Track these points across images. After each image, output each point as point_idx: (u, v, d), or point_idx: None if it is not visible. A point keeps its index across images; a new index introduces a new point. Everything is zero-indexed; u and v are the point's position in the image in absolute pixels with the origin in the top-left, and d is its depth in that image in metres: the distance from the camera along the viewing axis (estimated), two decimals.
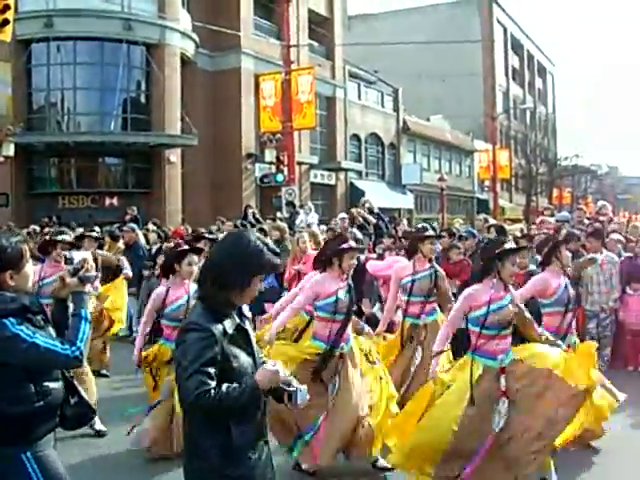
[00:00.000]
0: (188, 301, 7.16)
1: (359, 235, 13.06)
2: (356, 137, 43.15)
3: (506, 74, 67.34)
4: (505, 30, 67.59)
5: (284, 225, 14.59)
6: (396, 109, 47.85)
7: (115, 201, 28.77)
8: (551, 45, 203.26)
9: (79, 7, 26.78)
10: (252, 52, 33.17)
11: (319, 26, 39.02)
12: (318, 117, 33.10)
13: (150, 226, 18.06)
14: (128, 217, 22.06)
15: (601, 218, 15.68)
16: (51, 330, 3.75)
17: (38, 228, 20.23)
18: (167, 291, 7.41)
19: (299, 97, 29.06)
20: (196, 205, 29.96)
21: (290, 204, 22.29)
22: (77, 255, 4.02)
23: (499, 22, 65.63)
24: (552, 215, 19.12)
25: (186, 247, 7.58)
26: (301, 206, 20.44)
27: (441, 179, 42.39)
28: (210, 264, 3.67)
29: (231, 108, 32.20)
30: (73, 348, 3.65)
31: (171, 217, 27.67)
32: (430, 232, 9.80)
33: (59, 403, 3.81)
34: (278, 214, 19.93)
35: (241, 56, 32.62)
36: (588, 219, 15.71)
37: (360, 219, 14.75)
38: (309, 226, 16.17)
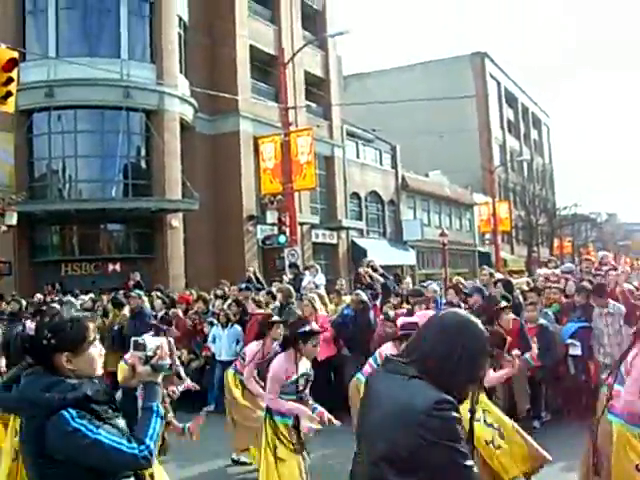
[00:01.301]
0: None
1: (364, 297, 13.05)
2: (356, 195, 43.29)
3: (502, 127, 67.97)
4: (498, 84, 68.43)
5: (289, 287, 14.55)
6: (394, 166, 48.11)
7: (118, 267, 28.72)
8: (545, 97, 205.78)
9: (79, 77, 26.99)
10: (250, 115, 33.48)
11: (315, 87, 39.45)
12: (317, 177, 33.23)
13: (154, 292, 17.99)
14: (131, 283, 22.04)
15: (604, 268, 15.65)
16: (120, 422, 3.36)
17: (41, 297, 20.23)
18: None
19: (299, 158, 29.20)
20: (199, 268, 29.92)
21: (293, 265, 22.24)
22: (150, 340, 3.62)
23: (492, 76, 66.48)
24: (556, 267, 19.10)
25: (313, 328, 7.01)
26: (307, 268, 20.37)
27: (442, 234, 42.40)
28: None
29: (231, 171, 32.39)
30: (142, 447, 3.26)
31: (174, 281, 27.62)
32: (504, 303, 9.80)
33: None
34: (284, 277, 19.84)
35: (239, 119, 32.91)
36: (597, 268, 15.69)
37: (367, 278, 14.71)
38: (317, 287, 16.11)
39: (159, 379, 3.51)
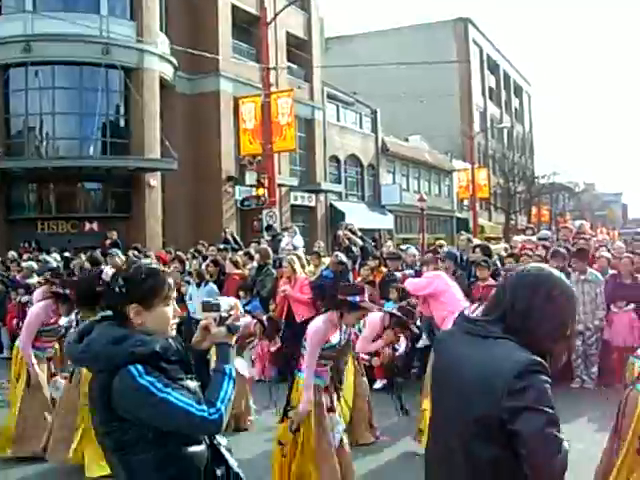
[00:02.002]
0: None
1: (344, 258, 13.07)
2: (335, 158, 43.20)
3: (483, 94, 67.93)
4: (481, 50, 68.26)
5: (268, 248, 14.52)
6: (374, 130, 48.00)
7: (95, 226, 28.58)
8: (527, 64, 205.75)
9: (57, 32, 26.62)
10: (231, 75, 33.21)
11: (297, 48, 39.15)
12: (297, 139, 33.11)
13: (131, 251, 17.90)
14: (109, 242, 21.91)
15: (585, 236, 15.73)
16: (191, 384, 3.10)
17: (15, 254, 20.04)
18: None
19: (279, 119, 29.08)
20: (176, 229, 29.83)
21: (271, 227, 22.22)
22: (224, 301, 3.37)
23: (475, 42, 66.30)
24: (533, 234, 19.19)
25: (365, 304, 6.59)
26: (285, 229, 20.35)
27: (421, 199, 42.41)
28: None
29: (210, 131, 32.18)
30: (212, 410, 2.99)
31: (151, 241, 27.50)
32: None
33: (200, 473, 3.12)
34: (262, 239, 19.79)
35: (220, 79, 32.64)
36: (574, 237, 15.76)
37: (347, 241, 14.70)
38: (295, 249, 16.09)
39: (233, 340, 3.27)
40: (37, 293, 9.38)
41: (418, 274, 11.35)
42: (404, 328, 7.94)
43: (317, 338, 6.27)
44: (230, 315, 3.29)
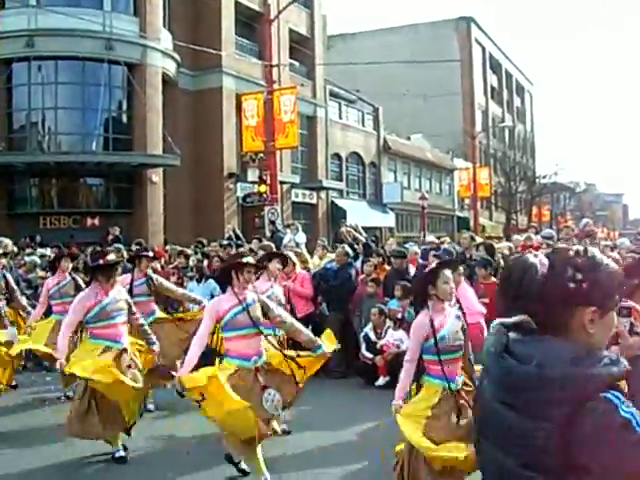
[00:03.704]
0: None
1: (350, 250, 13.14)
2: (337, 156, 43.21)
3: (485, 93, 67.88)
4: (484, 50, 68.21)
5: (271, 245, 14.52)
6: (376, 128, 48.00)
7: (97, 221, 28.59)
8: (529, 64, 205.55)
9: (60, 27, 26.64)
10: (233, 71, 33.22)
11: (300, 45, 39.16)
12: (299, 136, 33.12)
13: (134, 247, 17.89)
14: (110, 237, 21.95)
15: (592, 233, 15.68)
16: None
17: (16, 249, 19.98)
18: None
19: (281, 116, 29.06)
20: (178, 224, 29.82)
21: (272, 223, 22.22)
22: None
23: (477, 42, 66.22)
24: (536, 233, 19.16)
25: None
26: (287, 226, 20.37)
27: (422, 197, 42.45)
28: None
29: (213, 128, 32.18)
30: None
31: (153, 237, 27.49)
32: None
33: None
34: (265, 235, 19.82)
35: (222, 75, 32.65)
36: (576, 236, 15.72)
37: (349, 238, 14.71)
38: (297, 245, 16.13)
39: None
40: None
41: None
42: None
43: None
44: None
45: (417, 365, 5.90)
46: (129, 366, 7.68)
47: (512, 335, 2.35)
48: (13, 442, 8.47)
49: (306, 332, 7.39)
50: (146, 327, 8.37)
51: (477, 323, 8.50)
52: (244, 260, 7.00)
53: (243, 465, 7.03)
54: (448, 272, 5.92)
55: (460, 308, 6.24)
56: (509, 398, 2.25)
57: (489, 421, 2.35)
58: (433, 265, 6.66)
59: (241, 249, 15.17)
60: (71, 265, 11.17)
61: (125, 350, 7.80)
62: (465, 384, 5.89)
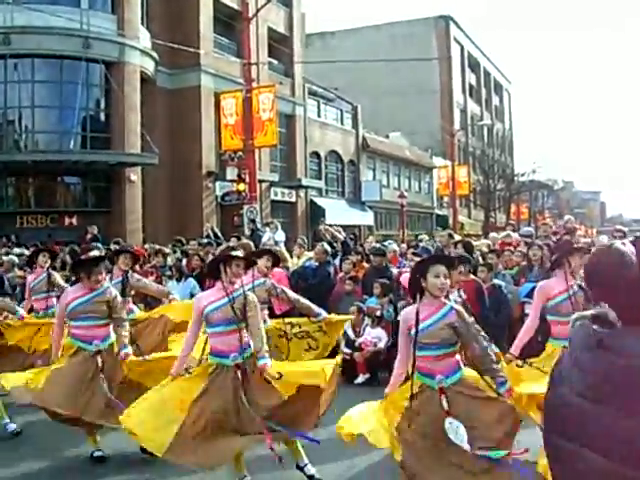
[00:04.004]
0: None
1: (328, 248, 13.15)
2: (316, 154, 43.20)
3: (463, 91, 68.14)
4: (462, 48, 68.46)
5: (250, 243, 14.51)
6: (355, 126, 48.04)
7: (74, 220, 28.41)
8: (507, 63, 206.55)
9: (37, 24, 26.47)
10: (212, 70, 33.15)
11: (278, 44, 39.13)
12: (278, 135, 33.08)
13: (112, 246, 17.83)
14: (89, 236, 21.82)
15: (573, 229, 15.79)
16: None
17: None
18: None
19: (260, 115, 29.02)
20: (157, 224, 29.74)
21: (252, 222, 22.21)
22: None
23: (456, 40, 66.47)
24: (514, 230, 19.26)
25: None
26: (267, 224, 20.37)
27: (401, 196, 42.61)
28: None
29: (191, 126, 32.10)
30: None
31: (131, 236, 27.37)
32: (581, 244, 8.96)
33: None
34: (245, 233, 19.81)
35: (201, 74, 32.59)
36: (554, 233, 15.82)
37: (328, 236, 14.74)
38: (276, 244, 16.13)
39: None
40: None
41: None
42: None
43: None
44: None
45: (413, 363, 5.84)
46: (101, 369, 7.50)
47: (599, 328, 2.25)
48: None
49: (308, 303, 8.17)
50: (123, 332, 8.13)
51: None
52: (233, 253, 6.94)
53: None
54: (440, 267, 5.87)
55: (464, 305, 6.19)
56: (607, 396, 2.13)
57: (575, 421, 2.22)
58: (424, 257, 6.65)
59: (220, 247, 15.19)
60: (49, 261, 11.07)
61: (99, 352, 7.61)
62: (462, 383, 5.79)
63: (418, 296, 5.84)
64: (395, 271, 12.62)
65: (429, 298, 5.78)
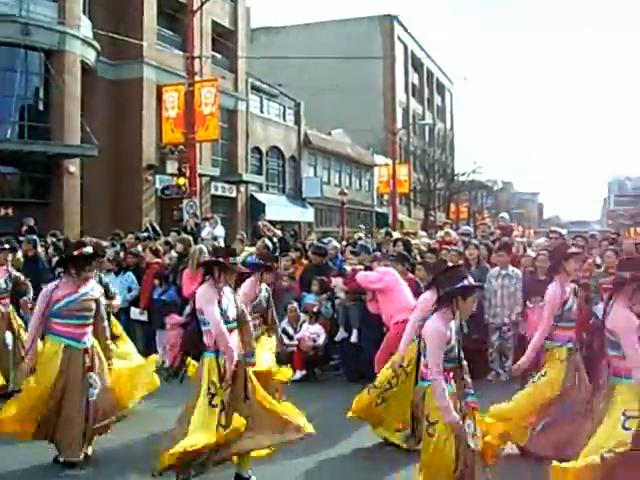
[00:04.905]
0: None
1: (269, 243, 13.18)
2: (257, 150, 43.09)
3: (406, 90, 68.62)
4: (406, 48, 68.96)
5: (189, 238, 14.45)
6: (298, 123, 48.07)
7: (10, 211, 27.81)
8: (450, 64, 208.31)
9: None
10: (154, 62, 32.84)
11: (223, 38, 38.93)
12: (220, 129, 32.91)
13: (49, 238, 17.59)
14: (24, 228, 21.44)
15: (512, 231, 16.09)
16: None
17: None
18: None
19: (202, 109, 28.88)
20: (95, 216, 29.35)
21: (195, 216, 22.11)
22: None
23: (400, 40, 66.92)
24: (452, 227, 19.53)
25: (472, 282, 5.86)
26: (206, 219, 20.29)
27: (342, 193, 42.77)
28: None
29: (132, 118, 31.77)
30: None
31: (69, 229, 26.95)
32: (575, 249, 8.73)
33: None
34: (183, 228, 19.67)
35: (143, 66, 32.25)
36: (492, 233, 16.08)
37: (266, 232, 14.76)
38: (215, 239, 16.08)
39: None
40: None
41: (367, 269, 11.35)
42: None
43: (439, 340, 5.46)
44: None
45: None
46: (89, 368, 7.44)
47: None
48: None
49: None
50: (107, 334, 8.09)
51: (406, 320, 8.44)
52: (232, 260, 6.86)
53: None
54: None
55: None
56: None
57: None
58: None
59: (158, 241, 15.09)
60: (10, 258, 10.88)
61: (87, 351, 7.52)
62: None
63: None
64: (348, 268, 12.50)
65: None
